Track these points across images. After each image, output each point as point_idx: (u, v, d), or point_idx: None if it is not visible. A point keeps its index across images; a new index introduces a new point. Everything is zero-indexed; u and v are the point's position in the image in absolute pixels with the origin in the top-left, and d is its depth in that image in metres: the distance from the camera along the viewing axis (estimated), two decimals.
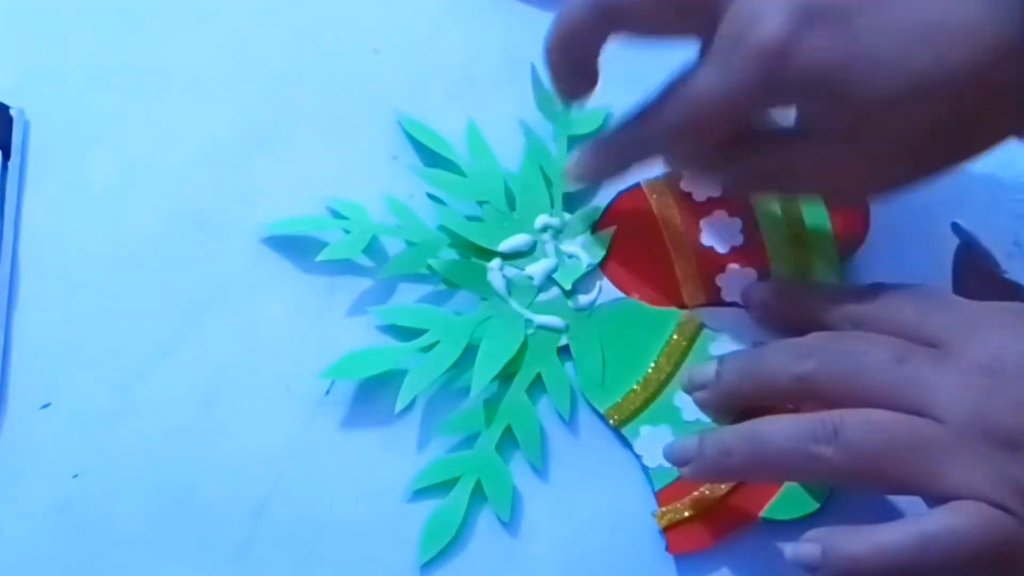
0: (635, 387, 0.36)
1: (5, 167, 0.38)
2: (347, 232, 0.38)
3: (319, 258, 0.37)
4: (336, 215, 0.38)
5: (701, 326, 0.37)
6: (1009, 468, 0.28)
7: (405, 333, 0.37)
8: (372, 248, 0.38)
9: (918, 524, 0.28)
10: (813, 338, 0.32)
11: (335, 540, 0.35)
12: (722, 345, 0.37)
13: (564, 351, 0.37)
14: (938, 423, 0.28)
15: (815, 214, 0.37)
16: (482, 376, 0.35)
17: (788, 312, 0.35)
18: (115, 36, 0.41)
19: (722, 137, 0.31)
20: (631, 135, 0.33)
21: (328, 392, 0.36)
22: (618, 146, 0.34)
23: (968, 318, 0.30)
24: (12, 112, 0.39)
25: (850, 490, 0.34)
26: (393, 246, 0.38)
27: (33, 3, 0.42)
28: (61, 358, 0.36)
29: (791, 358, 0.31)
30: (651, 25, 0.32)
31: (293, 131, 0.40)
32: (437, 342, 0.36)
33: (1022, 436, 0.28)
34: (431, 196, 0.39)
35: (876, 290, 0.33)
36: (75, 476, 0.35)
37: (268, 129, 0.40)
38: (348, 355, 0.36)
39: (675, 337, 0.36)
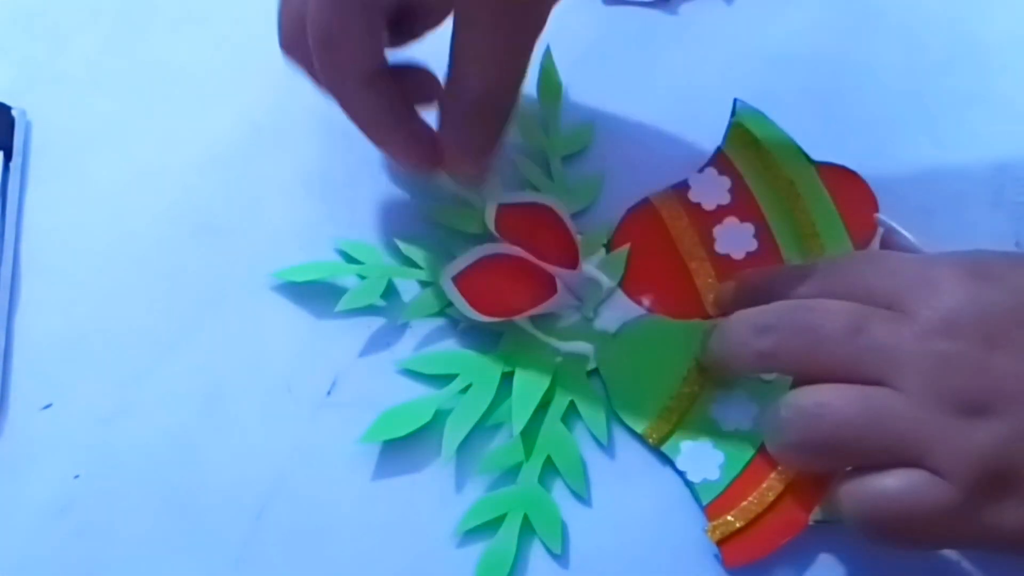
0: (669, 404, 0.36)
1: (7, 168, 0.38)
2: (362, 277, 0.37)
3: (338, 308, 0.36)
4: (348, 258, 0.38)
5: None
6: (964, 436, 0.28)
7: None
8: (388, 290, 0.37)
9: (862, 484, 0.29)
10: (774, 309, 0.32)
11: (337, 542, 0.34)
12: None
13: (593, 374, 0.37)
14: (896, 392, 0.29)
15: (825, 212, 0.37)
16: (521, 414, 0.35)
17: (758, 296, 0.34)
18: (116, 37, 0.42)
19: None
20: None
21: (329, 393, 0.36)
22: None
23: (920, 276, 0.30)
24: (14, 113, 0.39)
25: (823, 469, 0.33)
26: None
27: (34, 3, 0.42)
28: (62, 358, 0.36)
29: (752, 334, 0.31)
30: None
31: (295, 131, 0.40)
32: (470, 385, 0.35)
33: (979, 402, 0.28)
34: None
35: (835, 261, 0.33)
36: (76, 477, 0.35)
37: (270, 129, 0.40)
38: (384, 414, 0.35)
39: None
